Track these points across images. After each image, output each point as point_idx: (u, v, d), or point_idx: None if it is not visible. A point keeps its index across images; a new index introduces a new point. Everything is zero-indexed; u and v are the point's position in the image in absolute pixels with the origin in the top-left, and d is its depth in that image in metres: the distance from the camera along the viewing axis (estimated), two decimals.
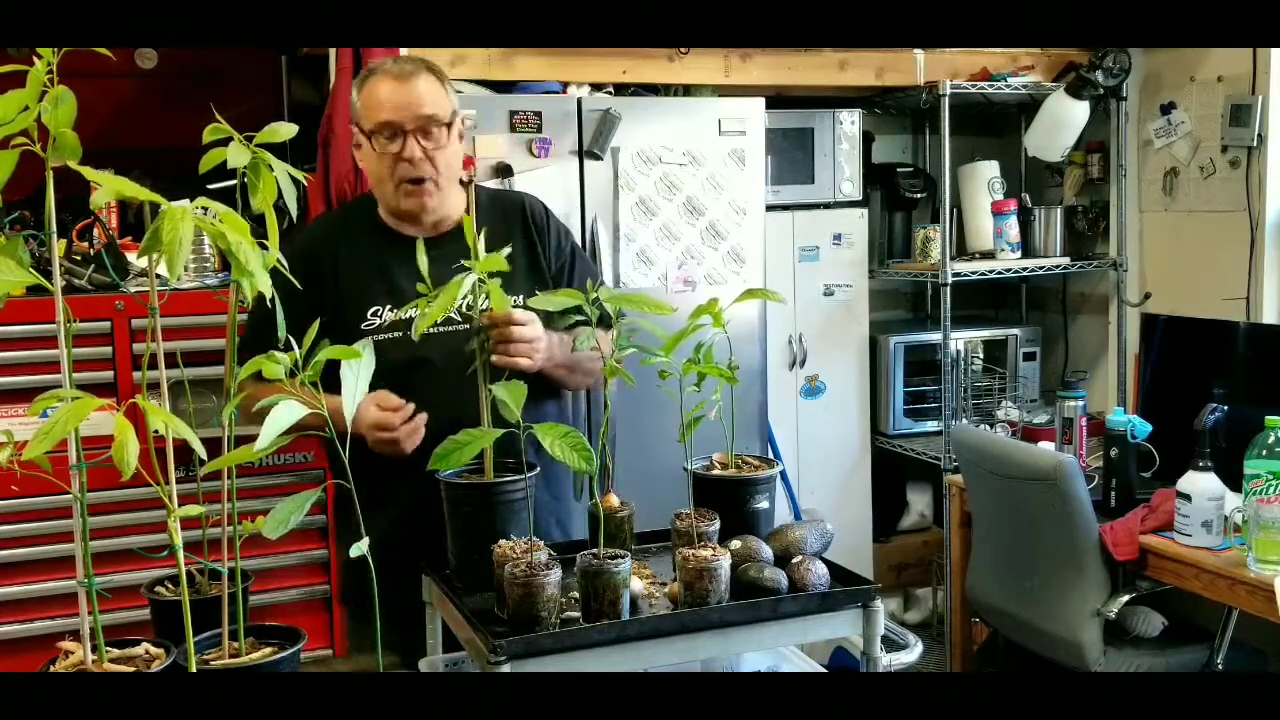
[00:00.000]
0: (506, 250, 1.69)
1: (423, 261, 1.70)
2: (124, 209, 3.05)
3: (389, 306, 2.00)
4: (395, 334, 1.98)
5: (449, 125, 2.00)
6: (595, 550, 1.55)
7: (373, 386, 1.87)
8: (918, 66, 3.84)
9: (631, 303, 1.69)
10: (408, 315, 1.94)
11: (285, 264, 2.08)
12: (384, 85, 1.98)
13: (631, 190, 3.35)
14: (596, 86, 3.42)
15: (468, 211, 1.96)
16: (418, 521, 1.82)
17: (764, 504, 1.77)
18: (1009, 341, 4.22)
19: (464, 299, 1.67)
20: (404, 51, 3.04)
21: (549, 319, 1.92)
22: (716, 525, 1.68)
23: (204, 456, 1.21)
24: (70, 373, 1.26)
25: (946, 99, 3.75)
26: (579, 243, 2.28)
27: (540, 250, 2.12)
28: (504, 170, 3.17)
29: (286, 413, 1.21)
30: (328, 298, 1.98)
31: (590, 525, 1.74)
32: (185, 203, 1.18)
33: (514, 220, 2.13)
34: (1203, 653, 3.01)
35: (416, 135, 1.96)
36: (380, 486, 2.05)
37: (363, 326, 1.98)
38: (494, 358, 1.76)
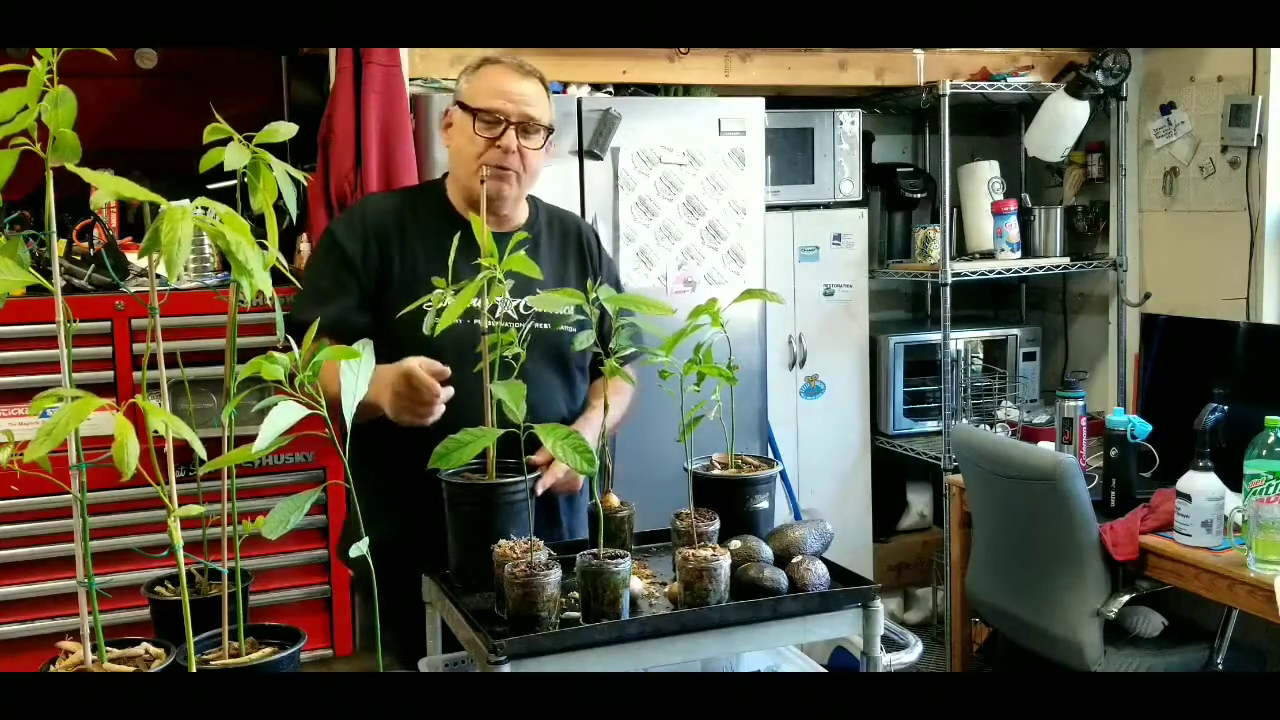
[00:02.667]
0: (516, 236, 1.71)
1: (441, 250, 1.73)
2: (124, 209, 3.05)
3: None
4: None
5: (545, 134, 2.07)
6: (595, 550, 1.54)
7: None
8: (918, 66, 3.84)
9: (631, 303, 1.69)
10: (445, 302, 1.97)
11: (343, 229, 2.11)
12: (503, 74, 2.05)
13: (631, 190, 3.35)
14: (596, 86, 3.42)
15: (527, 228, 2.06)
16: (420, 521, 1.81)
17: (764, 504, 1.77)
18: (1009, 341, 4.22)
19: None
20: (402, 52, 3.05)
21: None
22: (716, 525, 1.68)
23: (204, 457, 1.21)
24: (70, 373, 1.26)
25: (946, 99, 3.75)
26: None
27: (590, 272, 2.19)
28: None
29: (286, 414, 1.21)
30: (393, 269, 2.04)
31: (590, 525, 1.74)
32: (185, 203, 1.18)
33: (570, 238, 2.21)
34: (1203, 653, 3.01)
35: (517, 129, 2.02)
36: (382, 487, 2.06)
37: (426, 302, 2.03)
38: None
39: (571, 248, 2.20)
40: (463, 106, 2.06)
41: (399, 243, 2.07)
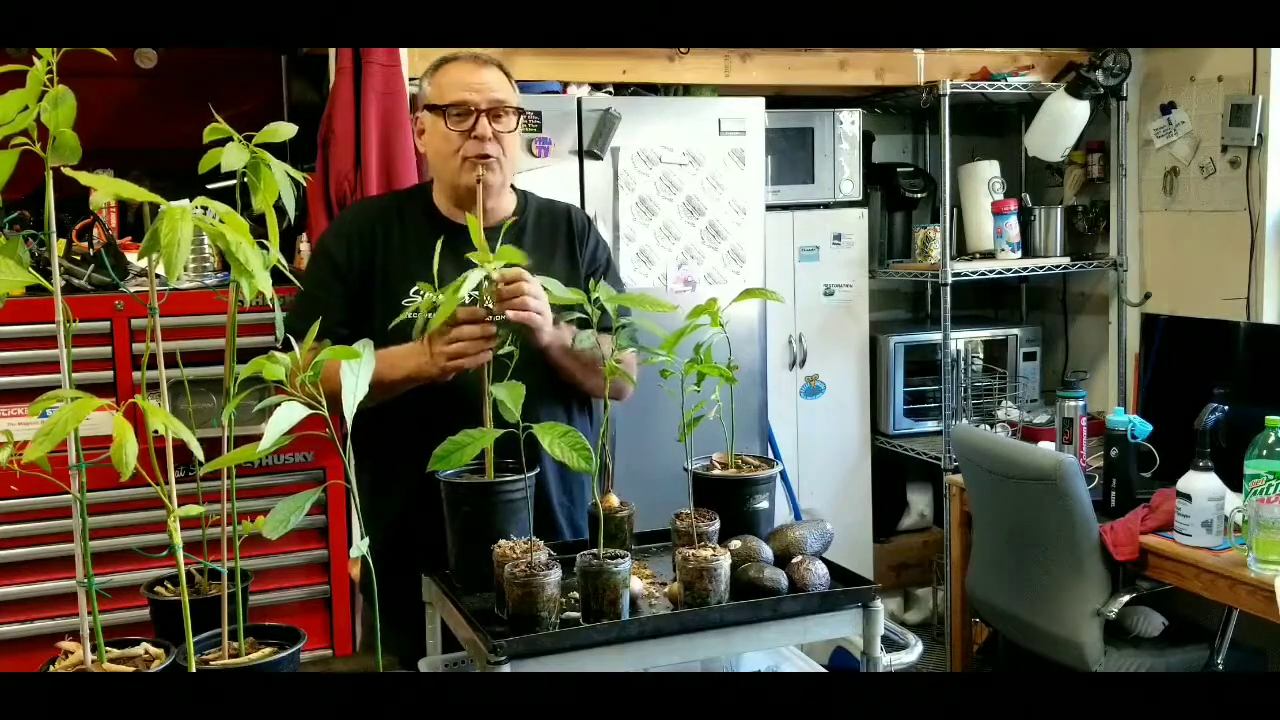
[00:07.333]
0: (493, 228, 1.73)
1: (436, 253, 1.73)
2: (124, 209, 3.05)
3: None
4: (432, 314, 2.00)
5: (516, 116, 2.08)
6: (595, 550, 1.54)
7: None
8: (918, 66, 3.84)
9: (632, 302, 1.69)
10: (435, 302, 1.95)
11: (330, 236, 2.14)
12: (462, 68, 2.08)
13: (631, 190, 3.35)
14: (596, 86, 3.42)
15: (515, 214, 2.07)
16: (420, 521, 1.81)
17: (764, 504, 1.77)
18: (1009, 341, 4.22)
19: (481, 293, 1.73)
20: (402, 52, 3.05)
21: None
22: (716, 525, 1.68)
23: (201, 458, 1.21)
24: (70, 373, 1.26)
25: (946, 99, 3.75)
26: (613, 257, 2.35)
27: (579, 258, 2.18)
28: None
29: (289, 414, 1.21)
30: (376, 272, 2.06)
31: (590, 525, 1.74)
32: (185, 203, 1.18)
33: (560, 228, 2.19)
34: (1203, 653, 3.01)
35: (488, 116, 2.04)
36: (382, 486, 2.06)
37: (404, 302, 2.01)
38: (509, 313, 1.79)
39: (561, 239, 2.17)
40: (431, 108, 2.07)
41: (383, 245, 2.08)
